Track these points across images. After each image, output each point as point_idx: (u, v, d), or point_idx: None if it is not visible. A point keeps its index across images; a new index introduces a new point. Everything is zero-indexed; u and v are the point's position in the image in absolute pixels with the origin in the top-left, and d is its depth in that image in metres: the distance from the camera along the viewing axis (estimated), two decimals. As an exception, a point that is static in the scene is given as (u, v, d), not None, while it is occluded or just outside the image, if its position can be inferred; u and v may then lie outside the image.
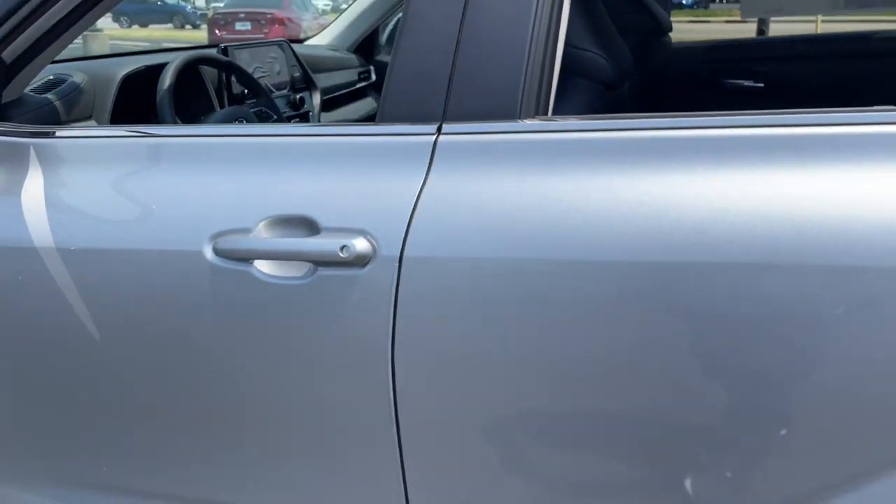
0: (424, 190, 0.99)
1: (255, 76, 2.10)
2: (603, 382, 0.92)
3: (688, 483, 0.94)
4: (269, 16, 14.80)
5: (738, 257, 0.85)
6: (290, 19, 15.13)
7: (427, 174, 1.00)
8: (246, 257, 1.04)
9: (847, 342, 0.83)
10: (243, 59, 2.12)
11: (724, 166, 0.88)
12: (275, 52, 2.29)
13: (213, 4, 21.05)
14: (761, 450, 0.89)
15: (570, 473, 0.99)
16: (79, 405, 1.20)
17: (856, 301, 0.82)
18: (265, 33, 13.43)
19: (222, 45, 2.11)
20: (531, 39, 0.98)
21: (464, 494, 1.04)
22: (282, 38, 2.51)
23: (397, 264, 0.98)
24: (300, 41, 2.95)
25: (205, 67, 1.94)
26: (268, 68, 2.22)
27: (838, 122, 0.88)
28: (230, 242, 1.03)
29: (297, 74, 2.34)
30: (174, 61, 1.72)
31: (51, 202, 1.17)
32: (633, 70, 1.48)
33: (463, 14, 1.01)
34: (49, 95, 1.54)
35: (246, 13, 14.97)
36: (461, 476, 1.04)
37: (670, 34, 2.29)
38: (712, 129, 0.92)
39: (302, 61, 2.41)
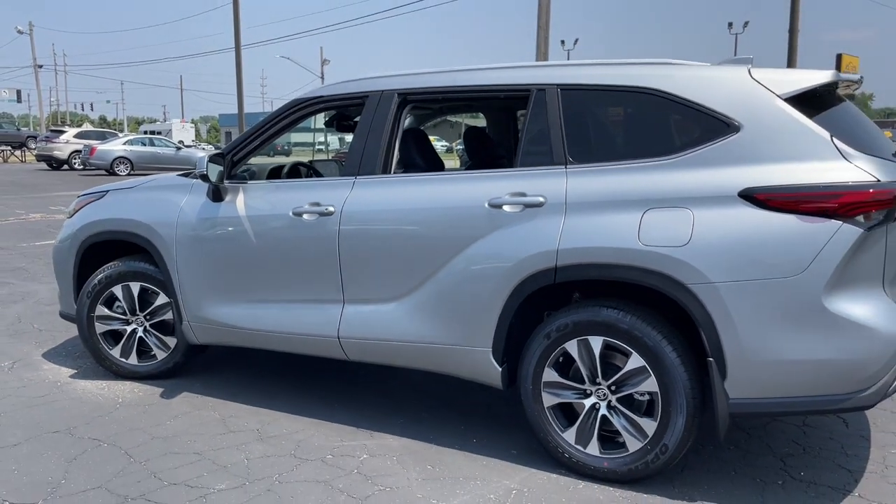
0: (350, 193, 3.66)
1: (324, 174, 4.88)
2: (400, 253, 3.48)
3: (409, 281, 3.49)
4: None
5: (418, 204, 3.43)
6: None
7: (351, 190, 3.66)
8: (300, 213, 3.70)
9: (411, 249, 3.40)
10: (319, 166, 4.93)
11: (426, 185, 3.49)
12: (333, 166, 5.09)
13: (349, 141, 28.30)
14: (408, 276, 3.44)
15: (396, 283, 3.55)
16: (255, 275, 3.89)
17: (435, 234, 3.38)
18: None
19: (309, 160, 4.94)
20: (382, 151, 3.64)
21: (364, 292, 3.62)
22: (342, 159, 5.30)
23: (340, 213, 3.63)
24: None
25: (301, 167, 4.74)
26: (330, 172, 5.00)
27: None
28: (306, 209, 3.67)
29: (344, 175, 5.12)
30: (289, 164, 4.56)
31: (247, 203, 3.92)
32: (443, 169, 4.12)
33: (363, 147, 3.70)
34: (245, 174, 4.35)
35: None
36: (361, 286, 3.61)
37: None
38: (432, 177, 3.54)
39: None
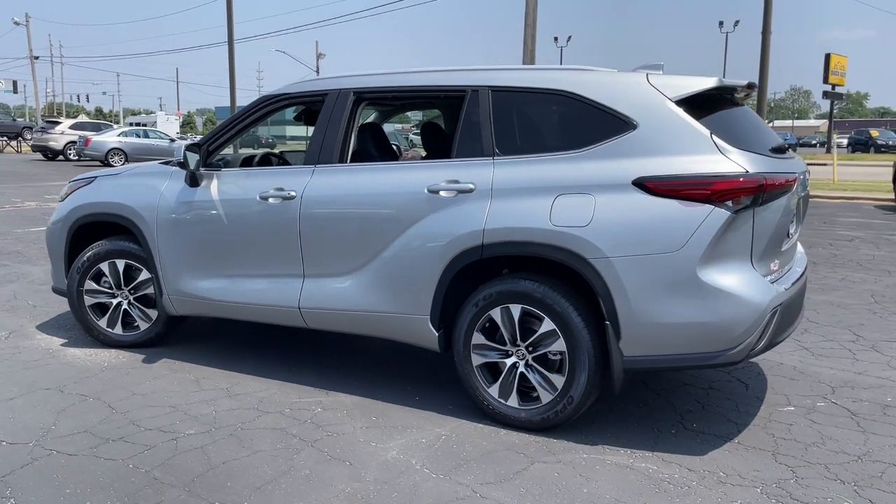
0: (310, 180, 4.13)
1: (291, 163, 5.36)
2: (351, 233, 3.97)
3: (356, 259, 3.97)
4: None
5: (368, 190, 3.92)
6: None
7: (311, 177, 4.14)
8: (266, 197, 4.18)
9: (361, 230, 3.89)
10: (289, 156, 5.40)
11: (375, 173, 3.97)
12: (302, 156, 5.56)
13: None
14: (355, 255, 3.92)
15: (339, 262, 4.04)
16: (226, 253, 4.37)
17: (375, 218, 3.86)
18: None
19: (280, 151, 5.42)
20: (339, 142, 4.11)
21: (321, 267, 4.09)
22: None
23: (301, 197, 4.11)
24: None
25: (272, 157, 5.21)
26: (298, 162, 5.47)
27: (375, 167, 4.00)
28: (272, 193, 4.16)
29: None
30: (259, 154, 5.03)
31: (220, 188, 4.40)
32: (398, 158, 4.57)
33: (322, 139, 4.18)
34: (220, 162, 4.82)
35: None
36: (318, 262, 4.09)
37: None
38: (380, 166, 4.03)
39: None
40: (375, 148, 4.45)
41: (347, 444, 3.48)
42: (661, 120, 3.39)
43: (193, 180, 4.47)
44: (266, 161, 5.21)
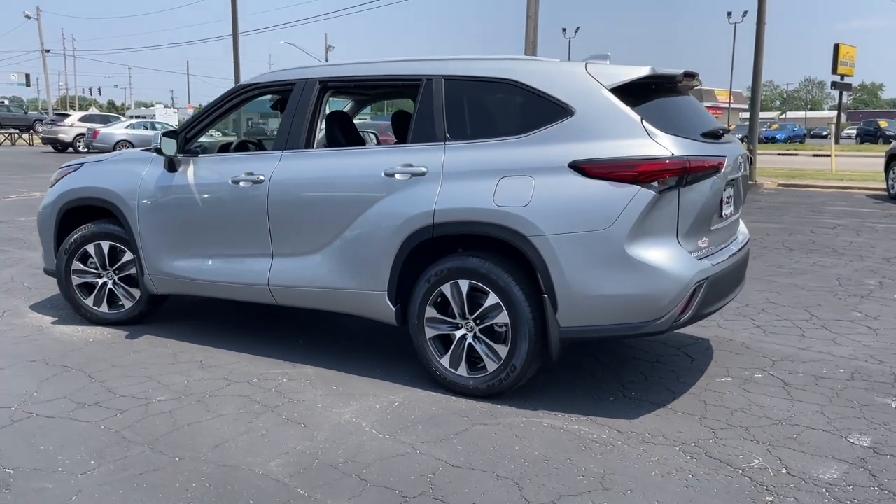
0: (278, 164, 4.39)
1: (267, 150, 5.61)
2: (315, 214, 4.22)
3: (321, 239, 4.22)
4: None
5: (331, 173, 4.16)
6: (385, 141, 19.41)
7: (279, 162, 4.40)
8: (237, 181, 4.44)
9: (324, 211, 4.13)
10: (265, 143, 5.65)
11: (338, 158, 4.22)
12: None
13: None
14: (320, 235, 4.17)
15: (308, 241, 4.29)
16: (202, 234, 4.63)
17: (336, 201, 4.11)
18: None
19: (258, 139, 5.67)
20: (305, 129, 4.36)
21: (288, 247, 4.35)
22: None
23: (269, 181, 4.36)
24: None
25: (249, 144, 5.46)
26: (278, 148, 5.73)
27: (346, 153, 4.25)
28: (242, 177, 4.41)
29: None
30: (237, 140, 5.29)
31: (196, 173, 4.66)
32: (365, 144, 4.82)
33: (290, 126, 4.42)
34: (198, 149, 5.08)
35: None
36: (286, 242, 4.35)
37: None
38: (343, 151, 4.28)
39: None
40: (343, 135, 4.69)
41: (306, 409, 3.74)
42: (596, 106, 3.61)
43: (172, 166, 4.73)
44: (243, 148, 5.47)
